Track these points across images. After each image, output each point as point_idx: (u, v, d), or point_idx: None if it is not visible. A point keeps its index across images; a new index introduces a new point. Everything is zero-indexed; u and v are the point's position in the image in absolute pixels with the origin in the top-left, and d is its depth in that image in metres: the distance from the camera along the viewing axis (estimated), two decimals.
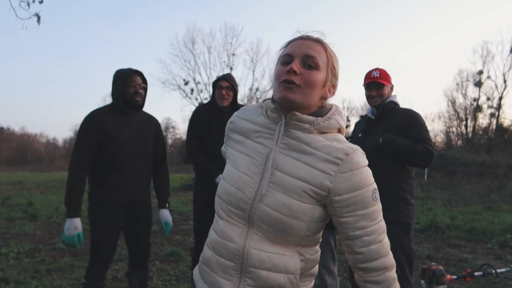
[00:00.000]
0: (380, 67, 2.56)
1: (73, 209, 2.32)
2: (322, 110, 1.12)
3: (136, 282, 2.65)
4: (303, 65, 1.08)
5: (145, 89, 2.53)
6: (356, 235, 1.08)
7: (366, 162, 1.10)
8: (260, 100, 1.23)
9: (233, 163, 1.15)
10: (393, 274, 1.13)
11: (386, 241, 1.12)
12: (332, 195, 1.05)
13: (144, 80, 2.53)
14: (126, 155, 2.44)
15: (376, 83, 2.48)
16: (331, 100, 1.17)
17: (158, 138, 2.67)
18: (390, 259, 1.12)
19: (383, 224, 1.11)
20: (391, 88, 2.55)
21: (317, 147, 1.07)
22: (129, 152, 2.45)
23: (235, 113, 1.24)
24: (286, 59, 1.10)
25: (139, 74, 2.51)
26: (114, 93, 2.48)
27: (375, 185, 1.10)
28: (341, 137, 1.13)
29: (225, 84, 2.86)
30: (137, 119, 2.54)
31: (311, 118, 1.08)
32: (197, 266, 1.26)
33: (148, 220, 2.64)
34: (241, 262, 1.08)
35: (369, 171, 1.10)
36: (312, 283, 1.19)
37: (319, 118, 1.09)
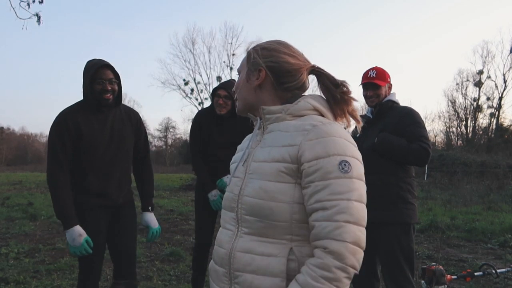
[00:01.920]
0: (378, 66, 2.55)
1: (68, 220, 2.14)
2: (292, 99, 1.15)
3: None
4: None
5: (118, 84, 2.26)
6: (313, 207, 0.98)
7: (342, 134, 1.03)
8: None
9: (231, 174, 1.23)
10: (332, 262, 0.94)
11: (347, 226, 0.95)
12: (299, 164, 1.02)
13: (116, 74, 2.25)
14: (103, 157, 2.23)
15: (372, 84, 2.48)
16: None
17: (139, 133, 2.42)
18: (340, 246, 0.93)
19: (350, 205, 0.96)
20: (389, 87, 2.54)
21: (288, 128, 1.09)
22: (106, 154, 2.24)
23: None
24: None
25: (109, 67, 2.22)
26: (83, 89, 2.22)
27: (347, 158, 0.99)
28: (319, 117, 1.09)
29: (222, 93, 2.86)
30: (112, 116, 2.29)
31: (279, 106, 1.13)
32: None
33: (132, 223, 2.41)
34: (229, 267, 1.09)
35: (341, 142, 1.01)
36: None
37: (287, 104, 1.13)
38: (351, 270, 0.95)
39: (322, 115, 1.11)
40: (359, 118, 1.16)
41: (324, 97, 1.15)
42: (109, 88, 2.19)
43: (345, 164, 0.98)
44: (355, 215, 0.96)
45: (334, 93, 1.12)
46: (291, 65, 1.13)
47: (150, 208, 2.47)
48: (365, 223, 0.99)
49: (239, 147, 1.30)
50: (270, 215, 1.03)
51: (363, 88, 2.53)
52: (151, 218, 2.46)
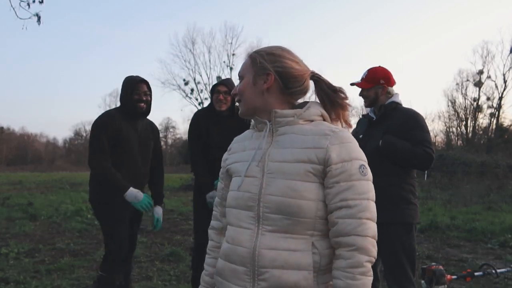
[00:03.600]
0: (377, 65, 2.54)
1: (123, 186, 2.54)
2: (298, 105, 1.24)
3: (123, 276, 2.75)
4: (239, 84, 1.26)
5: (150, 96, 2.74)
6: (337, 205, 1.09)
7: (354, 140, 1.16)
8: None
9: (236, 173, 1.24)
10: (362, 257, 1.06)
11: (367, 222, 1.08)
12: (325, 166, 1.10)
13: (149, 88, 2.73)
14: (132, 156, 2.66)
15: (354, 84, 2.50)
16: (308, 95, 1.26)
17: (157, 143, 2.92)
18: (364, 241, 1.06)
19: (369, 204, 1.09)
20: (384, 89, 2.47)
21: (305, 132, 1.15)
22: (135, 154, 2.67)
23: (231, 145, 1.37)
24: None
25: (145, 82, 2.71)
26: (121, 98, 2.72)
27: (364, 162, 1.13)
28: (327, 123, 1.20)
29: (222, 89, 2.86)
30: (141, 124, 2.76)
31: (291, 110, 1.18)
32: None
33: (139, 216, 2.84)
34: (252, 265, 1.10)
35: (358, 147, 1.14)
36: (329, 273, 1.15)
37: (299, 109, 1.19)
38: (374, 260, 1.09)
39: (325, 120, 1.22)
40: (351, 123, 1.27)
41: (319, 102, 1.24)
42: (144, 98, 2.68)
43: (364, 168, 1.12)
44: (373, 212, 1.10)
45: (332, 98, 1.22)
46: (296, 70, 1.20)
47: (163, 204, 2.95)
48: (376, 219, 1.12)
49: (234, 147, 1.33)
50: (298, 212, 1.09)
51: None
52: (160, 211, 2.90)
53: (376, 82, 2.47)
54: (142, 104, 2.67)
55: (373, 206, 1.11)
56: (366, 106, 2.52)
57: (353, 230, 1.06)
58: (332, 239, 1.11)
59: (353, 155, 1.11)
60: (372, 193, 1.12)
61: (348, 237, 1.07)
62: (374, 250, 1.09)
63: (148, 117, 2.89)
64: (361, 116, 2.79)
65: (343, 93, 1.23)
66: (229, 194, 1.24)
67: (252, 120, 1.29)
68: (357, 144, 1.15)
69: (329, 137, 1.12)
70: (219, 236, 1.34)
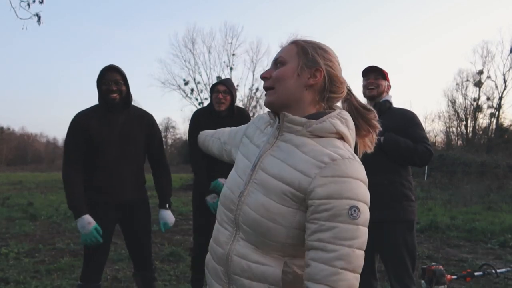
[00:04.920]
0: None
1: (78, 210, 2.26)
2: (320, 113, 1.07)
3: (140, 282, 2.63)
4: (275, 68, 1.11)
5: (126, 84, 2.38)
6: (313, 245, 0.95)
7: (359, 175, 0.98)
8: (258, 106, 1.28)
9: (235, 167, 1.19)
10: None
11: (344, 274, 0.92)
12: (308, 198, 0.97)
13: (122, 75, 2.37)
14: (110, 155, 2.35)
15: (375, 68, 2.50)
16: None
17: (151, 136, 2.54)
18: None
19: (351, 253, 0.93)
20: (388, 87, 2.56)
21: (306, 151, 1.02)
22: (113, 152, 2.36)
23: (255, 119, 1.29)
24: None
25: (115, 69, 2.35)
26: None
27: (357, 203, 0.95)
28: (340, 144, 1.03)
29: (222, 88, 2.86)
30: (124, 117, 2.41)
31: (303, 119, 1.04)
32: None
33: (144, 220, 2.55)
34: (226, 269, 1.09)
35: (356, 185, 0.96)
36: None
37: (312, 120, 1.04)
38: None
39: (342, 138, 1.06)
40: (372, 147, 1.18)
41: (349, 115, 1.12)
42: (114, 88, 2.32)
43: (354, 210, 0.94)
44: (353, 263, 0.93)
45: (365, 115, 1.14)
46: (341, 76, 1.11)
47: (167, 205, 2.59)
48: (361, 270, 0.96)
49: (252, 129, 1.24)
50: (266, 233, 1.02)
51: (365, 75, 2.54)
52: (165, 215, 2.57)
53: (387, 78, 2.55)
54: (114, 95, 2.32)
55: (356, 255, 0.93)
56: (373, 95, 2.51)
57: (324, 278, 0.92)
58: (305, 281, 0.97)
59: (345, 194, 0.94)
60: (359, 240, 0.94)
61: (317, 285, 0.93)
62: None
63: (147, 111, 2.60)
64: None
65: (374, 112, 1.15)
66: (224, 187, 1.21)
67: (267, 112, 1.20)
68: (360, 180, 0.97)
69: (324, 166, 0.96)
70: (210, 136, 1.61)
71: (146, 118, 2.52)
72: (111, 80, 2.32)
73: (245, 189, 1.08)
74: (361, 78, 2.60)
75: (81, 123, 2.34)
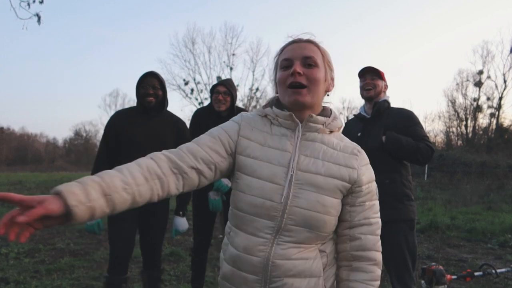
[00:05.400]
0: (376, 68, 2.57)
1: None
2: (326, 111, 1.21)
3: (147, 281, 2.68)
4: (304, 66, 1.12)
5: (163, 89, 2.60)
6: (361, 223, 1.15)
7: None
8: (258, 106, 1.24)
9: (251, 172, 1.10)
10: (379, 271, 1.16)
11: (379, 239, 1.18)
12: (354, 186, 1.13)
13: (160, 81, 2.59)
14: (138, 154, 2.40)
15: (371, 69, 2.51)
16: (332, 93, 1.24)
17: (180, 141, 2.48)
18: (380, 256, 1.17)
19: (380, 222, 1.19)
20: (385, 87, 2.57)
21: (334, 146, 1.15)
22: (140, 152, 2.39)
23: (241, 119, 1.19)
24: (285, 64, 1.14)
25: (154, 75, 2.58)
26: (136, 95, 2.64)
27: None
28: (346, 138, 1.23)
29: (222, 89, 2.87)
30: (157, 120, 2.60)
31: (323, 118, 1.15)
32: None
33: (162, 221, 2.67)
34: (265, 275, 1.09)
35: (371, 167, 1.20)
36: (334, 268, 1.21)
37: (327, 118, 1.17)
38: None
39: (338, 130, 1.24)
40: None
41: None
42: (151, 92, 2.54)
43: (376, 188, 1.20)
44: (380, 228, 1.19)
45: None
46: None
47: (180, 213, 2.72)
48: None
49: (254, 134, 1.14)
50: (322, 226, 1.10)
51: (361, 76, 2.55)
52: (178, 222, 2.72)
53: (384, 78, 2.56)
54: (150, 98, 2.54)
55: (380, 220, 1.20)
56: (371, 95, 2.52)
57: (373, 246, 1.15)
58: (350, 252, 1.16)
59: (373, 177, 1.19)
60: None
61: (369, 252, 1.14)
62: (381, 258, 1.19)
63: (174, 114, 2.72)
64: (352, 116, 2.82)
65: None
66: (242, 197, 1.10)
67: (267, 111, 1.17)
68: None
69: (358, 158, 1.15)
70: (168, 170, 1.05)
71: (177, 124, 2.68)
72: (149, 85, 2.54)
73: (289, 193, 1.07)
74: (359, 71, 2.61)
75: (115, 120, 2.56)
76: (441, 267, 2.84)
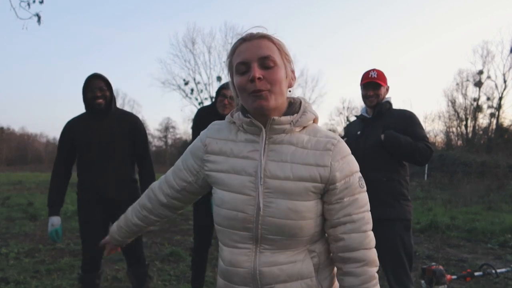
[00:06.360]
0: (377, 68, 2.57)
1: (50, 210, 2.55)
2: (293, 106, 1.10)
3: (133, 278, 2.70)
4: (262, 67, 1.03)
5: (109, 89, 2.54)
6: (341, 221, 1.07)
7: (349, 149, 1.11)
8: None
9: (222, 186, 1.09)
10: (372, 271, 1.08)
11: (370, 234, 1.09)
12: (328, 184, 1.05)
13: (106, 82, 2.53)
14: (94, 157, 2.52)
15: (374, 83, 2.51)
16: (295, 85, 1.15)
17: (135, 136, 2.61)
18: (371, 254, 1.09)
19: (368, 215, 1.09)
20: (387, 89, 2.59)
21: (304, 145, 1.06)
22: (97, 154, 2.51)
23: (207, 134, 1.17)
24: (242, 68, 1.04)
25: (98, 77, 2.52)
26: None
27: (359, 173, 1.10)
28: (318, 127, 1.13)
29: (229, 94, 2.83)
30: (110, 120, 2.55)
31: (288, 118, 1.06)
32: None
33: None
34: (255, 284, 1.08)
35: (353, 158, 1.10)
36: (335, 269, 1.16)
37: (295, 115, 1.07)
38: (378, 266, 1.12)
39: (314, 122, 1.14)
40: None
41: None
42: (99, 94, 2.49)
43: (361, 179, 1.10)
44: (370, 222, 1.10)
45: None
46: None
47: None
48: None
49: (220, 144, 1.13)
50: (299, 233, 1.05)
51: (364, 88, 2.56)
52: None
53: (385, 82, 2.57)
54: (100, 100, 2.47)
55: (370, 216, 1.11)
56: (373, 105, 2.53)
57: (360, 244, 1.07)
58: (337, 254, 1.09)
59: (353, 168, 1.08)
60: (368, 204, 1.11)
61: (356, 252, 1.07)
62: (377, 258, 1.11)
63: (140, 116, 2.76)
64: (352, 116, 2.83)
65: None
66: (217, 211, 1.11)
67: (235, 118, 1.11)
68: (351, 154, 1.11)
69: (331, 152, 1.05)
70: (157, 204, 1.35)
71: (130, 119, 2.64)
72: (96, 87, 2.49)
73: (259, 203, 1.04)
74: (361, 78, 2.61)
75: (68, 127, 2.58)
76: (441, 267, 2.84)
